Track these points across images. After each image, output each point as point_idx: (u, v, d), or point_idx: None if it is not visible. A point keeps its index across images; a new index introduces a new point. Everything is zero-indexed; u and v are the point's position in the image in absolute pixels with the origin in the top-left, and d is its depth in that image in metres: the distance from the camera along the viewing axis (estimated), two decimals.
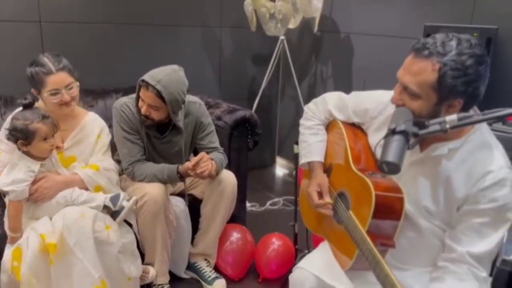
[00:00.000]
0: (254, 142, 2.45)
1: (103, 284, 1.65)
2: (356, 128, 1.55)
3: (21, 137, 1.61)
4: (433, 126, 1.07)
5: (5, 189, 1.62)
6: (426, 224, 1.26)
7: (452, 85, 1.10)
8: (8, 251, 1.64)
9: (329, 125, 1.64)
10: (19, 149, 1.66)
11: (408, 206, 1.26)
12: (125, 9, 2.81)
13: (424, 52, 1.12)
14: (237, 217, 2.41)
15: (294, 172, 3.53)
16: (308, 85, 3.44)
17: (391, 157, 1.06)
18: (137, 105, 1.96)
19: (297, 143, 2.22)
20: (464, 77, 1.09)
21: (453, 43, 1.10)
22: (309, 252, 2.26)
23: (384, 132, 1.36)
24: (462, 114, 1.05)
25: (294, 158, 2.24)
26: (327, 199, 1.48)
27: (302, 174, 1.76)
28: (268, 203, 3.12)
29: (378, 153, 1.13)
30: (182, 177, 1.97)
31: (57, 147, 1.84)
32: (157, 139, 2.06)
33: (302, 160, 1.63)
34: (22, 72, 2.51)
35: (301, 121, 1.70)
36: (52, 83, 1.75)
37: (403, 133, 1.09)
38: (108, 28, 2.77)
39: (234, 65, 3.43)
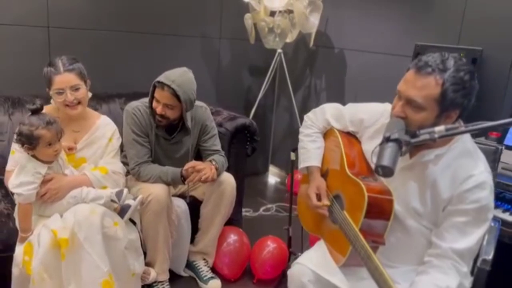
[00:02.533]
0: (252, 149, 2.56)
1: (110, 278, 1.72)
2: (351, 136, 1.68)
3: (26, 142, 1.66)
4: (423, 135, 1.20)
5: (14, 191, 1.67)
6: (414, 224, 1.39)
7: (453, 98, 1.24)
8: (20, 246, 1.70)
9: (327, 133, 1.77)
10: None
11: (398, 207, 1.39)
12: (130, 18, 2.92)
13: (427, 69, 1.26)
14: (234, 220, 2.51)
15: (286, 180, 3.67)
16: (302, 97, 3.57)
17: (385, 161, 1.19)
18: (151, 106, 2.07)
19: (293, 150, 2.35)
20: (463, 90, 1.24)
21: (451, 61, 1.25)
22: (301, 255, 2.37)
23: (376, 140, 1.50)
24: (450, 126, 1.19)
25: (290, 164, 2.37)
26: (325, 201, 1.60)
27: (301, 179, 1.88)
28: (262, 209, 3.23)
29: (374, 160, 1.25)
30: (185, 180, 2.08)
31: (70, 149, 1.91)
32: (166, 140, 2.17)
33: (301, 165, 1.76)
34: (30, 74, 2.61)
35: (301, 129, 1.83)
36: (57, 83, 1.82)
37: (397, 141, 1.22)
38: (113, 36, 2.87)
39: (231, 75, 3.55)
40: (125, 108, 2.15)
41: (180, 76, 2.00)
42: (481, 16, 2.39)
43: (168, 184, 2.08)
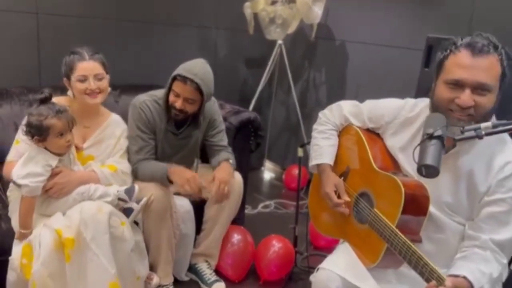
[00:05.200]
0: (256, 144, 2.47)
1: (118, 280, 1.62)
2: (372, 133, 1.61)
3: (36, 133, 1.57)
4: (469, 132, 1.13)
5: (19, 182, 1.56)
6: (446, 221, 1.33)
7: (508, 74, 1.24)
8: (17, 248, 1.58)
9: (343, 131, 1.69)
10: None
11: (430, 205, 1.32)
12: (124, 5, 2.79)
13: (485, 49, 1.21)
14: (236, 218, 2.40)
15: (282, 175, 3.59)
16: (301, 91, 3.49)
17: (429, 160, 1.11)
18: (167, 100, 1.96)
19: (301, 146, 2.27)
20: (510, 66, 1.23)
21: (492, 38, 1.25)
22: (309, 254, 2.31)
23: (401, 134, 1.48)
24: (497, 122, 1.12)
25: (298, 161, 2.28)
26: (346, 197, 1.52)
27: (312, 180, 1.80)
28: (260, 205, 3.14)
29: (416, 158, 1.18)
30: (171, 181, 1.94)
31: (77, 147, 1.81)
32: (174, 135, 2.06)
33: (312, 162, 1.67)
34: (17, 64, 2.46)
35: (315, 126, 1.75)
36: (81, 69, 1.77)
37: (440, 138, 1.14)
38: (106, 24, 2.74)
39: (227, 67, 3.43)
40: (132, 102, 2.04)
41: (201, 69, 1.91)
42: (493, 7, 2.33)
43: (162, 184, 1.96)
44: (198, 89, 1.88)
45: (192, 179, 1.87)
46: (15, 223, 1.64)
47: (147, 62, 2.94)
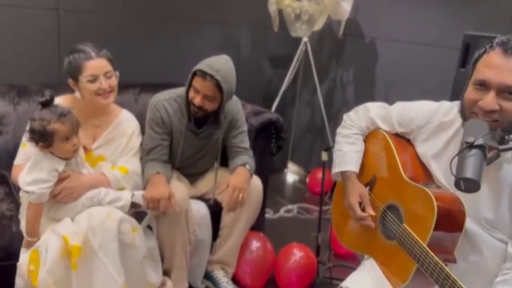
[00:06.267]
0: (278, 147, 2.35)
1: None
2: (401, 139, 1.48)
3: (40, 139, 1.48)
4: None
5: (25, 188, 1.50)
6: (485, 238, 1.19)
7: None
8: (25, 254, 1.52)
9: (370, 136, 1.56)
10: None
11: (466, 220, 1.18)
12: (146, 1, 2.71)
13: None
14: (255, 224, 2.29)
15: (306, 178, 3.45)
16: (327, 91, 3.35)
17: (470, 173, 0.98)
18: (187, 96, 1.88)
19: (326, 150, 2.15)
20: None
21: None
22: (332, 265, 2.18)
23: (434, 141, 1.35)
24: None
25: (322, 165, 2.16)
26: (370, 211, 1.40)
27: (336, 188, 1.67)
28: (282, 210, 3.02)
29: (453, 170, 1.04)
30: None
31: (85, 149, 1.74)
32: (195, 134, 1.98)
33: (336, 169, 1.55)
34: (37, 61, 2.44)
35: (339, 130, 1.62)
36: (91, 69, 1.67)
37: (481, 147, 1.00)
38: (127, 21, 2.68)
39: (250, 66, 3.33)
40: (150, 100, 1.97)
41: (224, 65, 1.81)
42: None
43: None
44: (218, 86, 1.79)
45: (163, 200, 1.72)
46: (23, 227, 1.59)
47: (168, 60, 2.87)
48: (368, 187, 1.48)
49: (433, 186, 1.29)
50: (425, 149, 1.37)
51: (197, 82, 1.82)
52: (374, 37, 2.98)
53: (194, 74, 1.82)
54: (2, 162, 2.08)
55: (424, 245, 1.16)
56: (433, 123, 1.35)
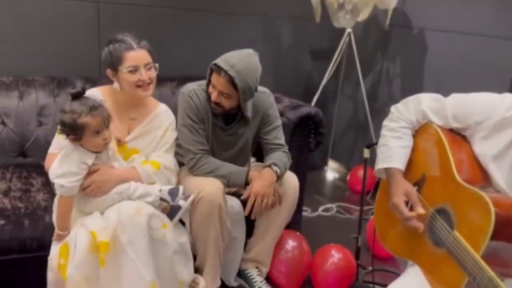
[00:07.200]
0: (316, 143, 2.25)
1: None
2: (456, 135, 1.34)
3: (71, 132, 1.46)
4: None
5: (55, 181, 1.48)
6: None
7: None
8: (55, 247, 1.51)
9: (420, 130, 1.43)
10: None
11: None
12: None
13: None
14: (291, 222, 2.20)
15: (346, 176, 3.32)
16: (371, 84, 3.20)
17: None
18: (207, 91, 1.82)
19: (367, 146, 2.02)
20: None
21: None
22: (373, 269, 2.05)
23: (495, 140, 1.21)
24: None
25: (364, 163, 2.03)
26: (420, 209, 1.26)
27: (380, 186, 1.55)
28: (321, 208, 2.91)
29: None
30: (247, 184, 1.80)
31: (119, 141, 1.71)
32: (223, 130, 1.91)
33: (379, 166, 1.43)
34: (77, 53, 2.46)
35: (385, 122, 1.49)
36: (131, 59, 1.64)
37: None
38: (167, 13, 2.65)
39: (291, 59, 3.23)
40: (181, 90, 1.91)
41: (241, 61, 1.71)
42: None
43: (226, 184, 1.82)
44: (232, 83, 1.70)
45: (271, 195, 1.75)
46: (55, 219, 1.58)
47: (206, 53, 2.79)
48: (416, 188, 1.35)
49: (491, 190, 1.17)
50: (484, 148, 1.24)
51: (213, 77, 1.75)
52: (423, 28, 2.80)
53: (212, 68, 1.76)
54: (41, 152, 2.11)
55: (478, 257, 1.04)
56: (494, 119, 1.22)
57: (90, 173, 1.54)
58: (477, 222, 1.08)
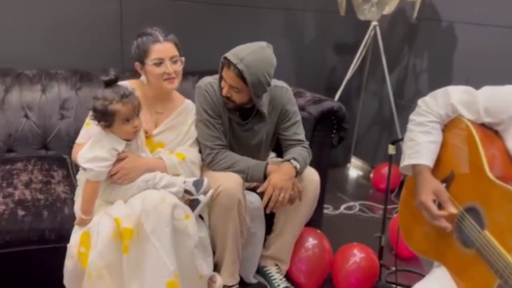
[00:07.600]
0: (339, 138, 2.19)
1: (176, 278, 1.49)
2: (488, 130, 1.27)
3: (102, 118, 1.49)
4: None
5: (85, 165, 1.49)
6: None
7: None
8: (76, 235, 1.52)
9: (450, 125, 1.36)
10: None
11: None
12: None
13: None
14: (312, 220, 2.15)
15: (370, 174, 3.24)
16: (397, 80, 3.11)
17: None
18: (220, 85, 1.80)
19: (392, 143, 1.95)
20: None
21: None
22: (396, 269, 1.98)
23: None
24: None
25: (388, 160, 1.96)
26: (452, 209, 1.20)
27: (406, 183, 1.48)
28: (343, 206, 2.85)
29: None
30: (266, 177, 1.77)
31: (147, 133, 1.73)
32: (239, 125, 1.88)
33: (405, 162, 1.37)
34: (100, 47, 2.47)
35: (412, 116, 1.43)
36: (157, 52, 1.66)
37: None
38: (189, 7, 2.64)
39: (314, 53, 3.18)
40: (197, 84, 1.89)
41: (251, 54, 1.67)
42: None
43: (246, 179, 1.79)
44: (241, 77, 1.66)
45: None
46: (77, 208, 1.59)
47: (228, 47, 2.79)
48: (444, 185, 1.29)
49: None
50: None
51: (224, 71, 1.73)
52: (452, 21, 2.71)
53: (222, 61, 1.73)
54: (63, 145, 2.14)
55: (510, 258, 0.98)
56: None
57: (118, 160, 1.56)
58: (509, 222, 1.02)
